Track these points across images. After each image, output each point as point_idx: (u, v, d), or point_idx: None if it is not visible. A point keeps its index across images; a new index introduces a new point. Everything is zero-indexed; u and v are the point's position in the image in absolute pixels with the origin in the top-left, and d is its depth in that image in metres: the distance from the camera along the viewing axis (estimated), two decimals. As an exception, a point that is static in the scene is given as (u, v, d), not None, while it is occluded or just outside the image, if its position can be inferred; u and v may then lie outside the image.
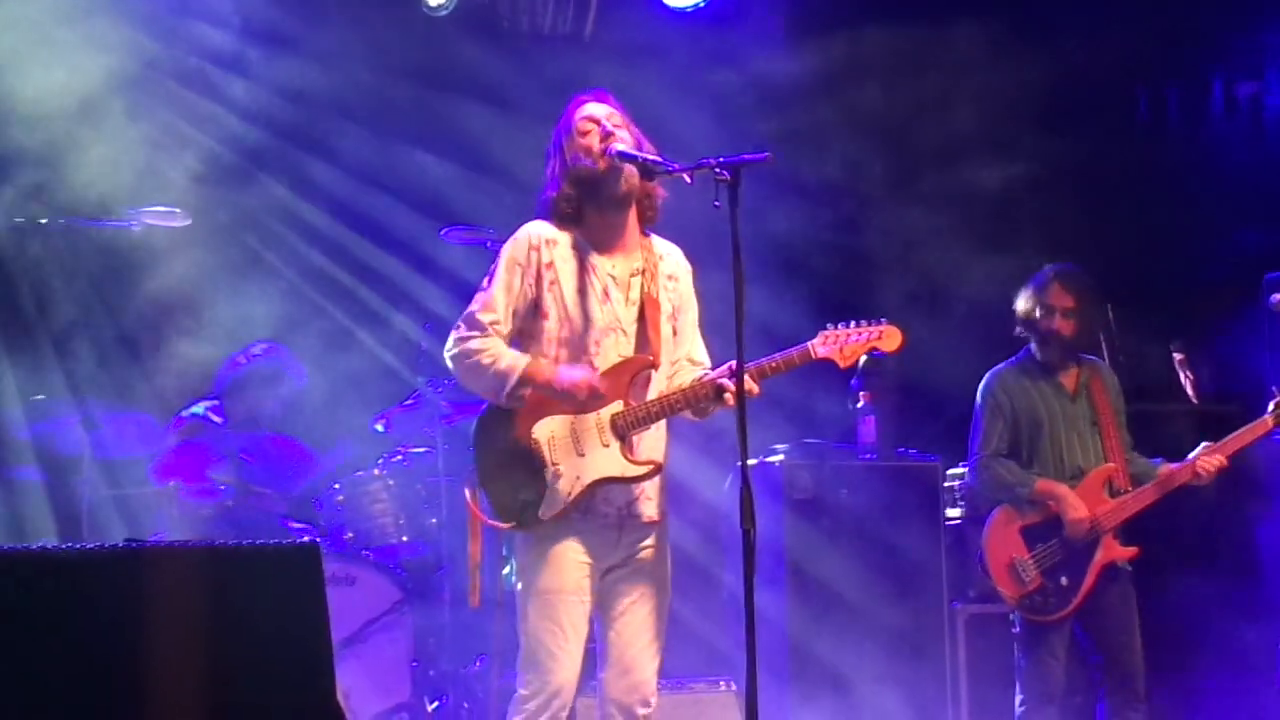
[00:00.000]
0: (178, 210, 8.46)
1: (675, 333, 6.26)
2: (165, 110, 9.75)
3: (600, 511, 6.04)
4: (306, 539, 8.69)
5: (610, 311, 6.09)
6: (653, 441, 6.15)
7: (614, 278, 6.13)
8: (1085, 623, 7.93)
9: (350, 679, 8.35)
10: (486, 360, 6.04)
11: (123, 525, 8.76)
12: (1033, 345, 8.20)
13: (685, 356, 6.30)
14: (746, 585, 5.57)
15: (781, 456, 9.24)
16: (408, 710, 8.55)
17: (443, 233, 8.76)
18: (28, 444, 8.83)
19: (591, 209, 6.15)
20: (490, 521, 6.14)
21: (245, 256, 9.87)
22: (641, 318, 6.14)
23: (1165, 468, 7.92)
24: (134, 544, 3.92)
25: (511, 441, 6.06)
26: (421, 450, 9.17)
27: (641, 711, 6.15)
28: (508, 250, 6.17)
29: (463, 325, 6.15)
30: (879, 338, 6.21)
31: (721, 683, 8.54)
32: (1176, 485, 7.87)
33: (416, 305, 9.81)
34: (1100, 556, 7.82)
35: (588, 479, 6.00)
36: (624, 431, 6.03)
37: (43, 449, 8.78)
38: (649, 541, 6.16)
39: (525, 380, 6.01)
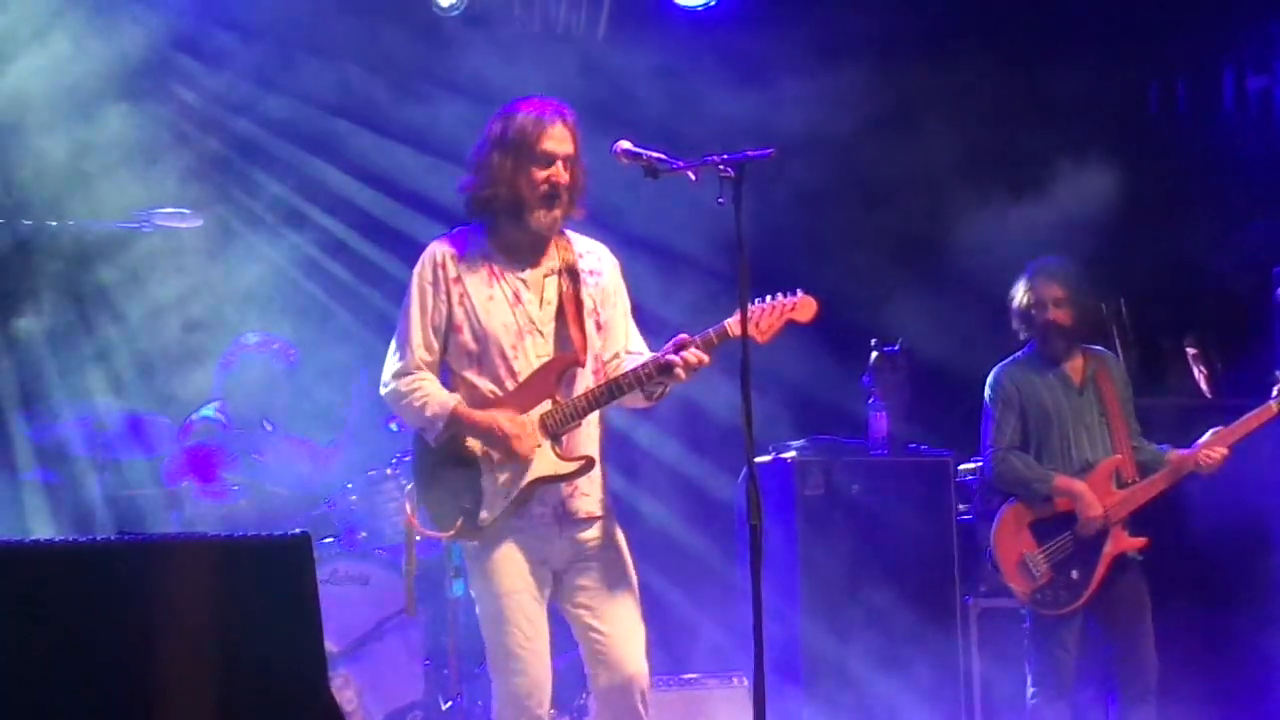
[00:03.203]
0: (188, 211, 8.49)
1: (600, 328, 6.24)
2: (162, 106, 9.80)
3: (536, 513, 6.06)
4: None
5: (523, 314, 6.10)
6: (584, 437, 6.15)
7: (524, 281, 6.14)
8: (1097, 615, 7.95)
9: (364, 678, 8.40)
10: (418, 403, 6.11)
11: (137, 527, 8.75)
12: (1036, 341, 8.22)
13: (622, 349, 6.30)
14: (754, 581, 5.61)
15: (793, 453, 9.24)
16: (421, 708, 8.56)
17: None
18: (39, 446, 8.85)
19: (508, 221, 6.15)
20: (429, 532, 6.19)
21: (253, 258, 9.90)
22: (559, 317, 6.13)
23: (1174, 454, 7.93)
24: (127, 536, 3.95)
25: (447, 452, 6.11)
26: (434, 449, 9.18)
27: (633, 699, 6.11)
28: (415, 273, 6.22)
29: (390, 361, 6.21)
30: (793, 309, 6.14)
31: (734, 678, 8.57)
32: (1185, 473, 7.90)
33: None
34: (1110, 548, 7.85)
35: (523, 481, 6.02)
36: (554, 430, 6.05)
37: (54, 451, 8.80)
38: (595, 537, 6.15)
39: (451, 424, 6.06)
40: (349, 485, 8.99)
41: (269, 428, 8.84)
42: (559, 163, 6.10)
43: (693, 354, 5.93)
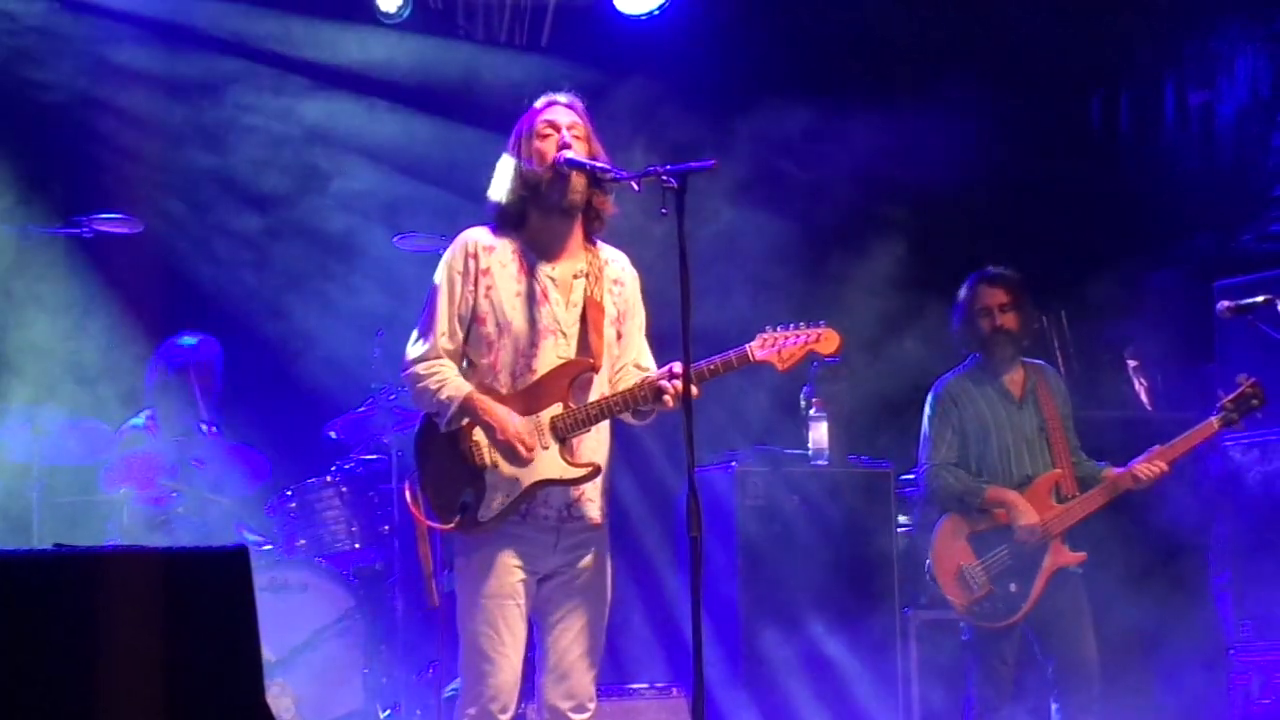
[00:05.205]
0: (130, 217, 8.46)
1: (619, 336, 6.23)
2: (115, 116, 9.76)
3: (539, 514, 6.02)
4: (260, 540, 8.74)
5: (549, 314, 6.07)
6: (594, 444, 6.12)
7: (553, 280, 6.11)
8: (1037, 628, 7.95)
9: (302, 686, 8.37)
10: (434, 386, 6.04)
11: (75, 533, 8.70)
12: (979, 354, 8.22)
13: (631, 362, 6.27)
14: (693, 592, 5.59)
15: (734, 463, 9.24)
16: (360, 717, 8.54)
17: (396, 239, 8.77)
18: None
19: (536, 212, 6.13)
20: (431, 524, 6.14)
21: (195, 263, 9.85)
22: (583, 320, 6.12)
23: (1110, 471, 7.96)
24: (62, 549, 3.92)
25: (452, 444, 6.05)
26: (374, 457, 9.17)
27: (577, 717, 6.12)
28: (446, 260, 6.17)
29: (413, 344, 6.15)
30: (816, 340, 6.17)
31: (673, 689, 8.55)
32: (1123, 489, 7.91)
33: (369, 312, 9.77)
34: (1049, 562, 7.86)
35: (527, 481, 5.97)
36: (564, 434, 6.01)
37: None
38: (588, 547, 6.13)
39: (463, 411, 6.01)
40: (288, 492, 8.98)
41: (209, 429, 8.79)
42: (563, 130, 6.09)
43: (683, 384, 5.87)
